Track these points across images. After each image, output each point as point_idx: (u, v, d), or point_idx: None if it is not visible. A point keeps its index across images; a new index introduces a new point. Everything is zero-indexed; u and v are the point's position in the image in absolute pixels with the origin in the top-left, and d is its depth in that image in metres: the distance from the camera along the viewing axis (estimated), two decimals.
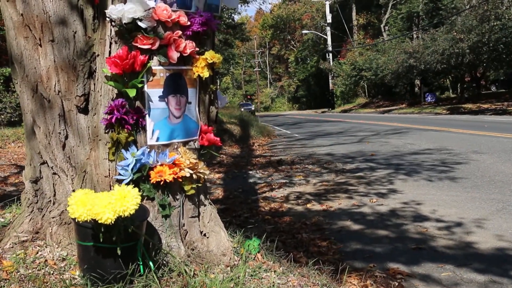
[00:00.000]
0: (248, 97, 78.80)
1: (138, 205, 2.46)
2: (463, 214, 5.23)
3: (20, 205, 3.38)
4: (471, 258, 3.99)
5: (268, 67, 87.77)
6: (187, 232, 3.07)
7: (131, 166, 2.78)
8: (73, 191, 2.90)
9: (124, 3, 2.70)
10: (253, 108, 56.10)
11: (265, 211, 5.89)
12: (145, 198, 2.88)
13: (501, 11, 25.75)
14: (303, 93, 72.15)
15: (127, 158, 2.78)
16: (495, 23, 25.64)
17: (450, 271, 3.74)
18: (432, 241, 4.44)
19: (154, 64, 2.84)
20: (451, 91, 42.27)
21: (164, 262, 2.84)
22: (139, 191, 2.62)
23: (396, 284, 3.44)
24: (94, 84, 2.94)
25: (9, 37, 3.02)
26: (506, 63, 28.73)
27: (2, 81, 14.37)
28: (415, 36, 40.68)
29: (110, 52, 2.80)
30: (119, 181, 2.79)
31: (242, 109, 47.79)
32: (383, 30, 49.63)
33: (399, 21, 44.57)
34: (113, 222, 2.38)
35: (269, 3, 73.80)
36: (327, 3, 52.33)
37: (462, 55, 28.29)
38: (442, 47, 29.66)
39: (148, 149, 2.84)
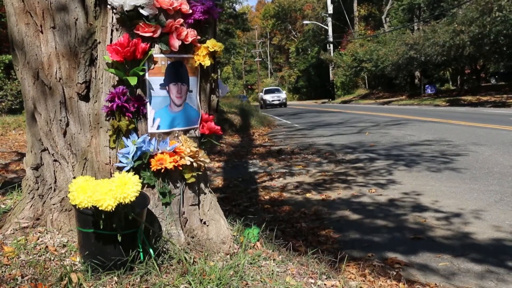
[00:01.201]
0: (249, 86, 78.47)
1: (139, 192, 2.47)
2: (462, 205, 5.25)
3: (21, 191, 3.39)
4: (468, 248, 4.02)
5: (269, 57, 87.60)
6: (187, 220, 3.09)
7: (131, 154, 2.78)
8: (74, 178, 2.91)
9: None
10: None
11: (265, 200, 5.91)
12: (146, 185, 2.90)
13: (503, 2, 25.58)
14: (304, 84, 71.90)
15: (128, 146, 2.79)
16: (496, 15, 25.49)
17: (448, 261, 3.76)
18: (430, 231, 4.46)
19: (156, 52, 2.84)
20: (451, 83, 42.23)
21: (164, 249, 2.86)
22: (140, 178, 2.63)
23: (394, 273, 3.46)
24: (95, 72, 2.94)
25: (10, 24, 3.01)
26: (506, 55, 28.65)
27: (2, 68, 14.34)
28: (416, 27, 40.56)
29: (111, 40, 2.80)
30: (120, 169, 2.81)
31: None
32: (384, 22, 49.48)
33: (400, 12, 44.40)
34: (113, 209, 2.39)
35: None
36: None
37: (463, 47, 28.19)
38: (442, 39, 29.55)
39: (149, 137, 2.85)
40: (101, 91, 2.87)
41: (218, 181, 7.30)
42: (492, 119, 15.23)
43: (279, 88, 46.59)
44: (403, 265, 3.72)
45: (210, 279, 2.59)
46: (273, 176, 7.62)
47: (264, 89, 46.78)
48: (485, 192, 5.78)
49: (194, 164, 2.99)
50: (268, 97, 39.10)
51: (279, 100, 39.23)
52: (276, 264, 3.01)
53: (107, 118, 2.84)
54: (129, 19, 2.74)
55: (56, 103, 2.99)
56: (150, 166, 2.87)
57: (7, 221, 3.16)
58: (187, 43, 2.90)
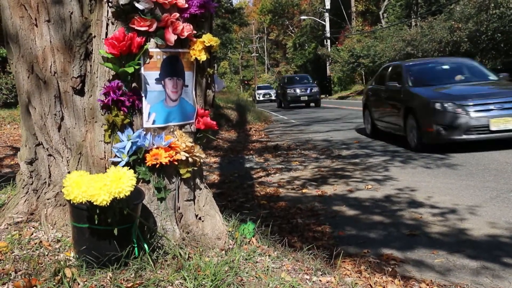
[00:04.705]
0: (246, 82, 78.28)
1: (133, 187, 2.46)
2: (457, 201, 5.25)
3: (15, 186, 3.37)
4: (464, 244, 4.02)
5: (266, 53, 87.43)
6: (182, 215, 3.07)
7: (127, 149, 2.77)
8: (69, 172, 2.89)
9: None
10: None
11: (261, 196, 5.90)
12: (141, 181, 2.88)
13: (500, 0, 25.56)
14: None
15: (123, 141, 2.77)
16: (493, 12, 25.49)
17: (443, 258, 3.76)
18: (426, 228, 4.46)
19: (151, 46, 2.82)
20: None
21: (159, 245, 2.85)
22: (135, 174, 2.62)
23: (390, 269, 3.45)
24: (91, 66, 2.92)
25: (5, 17, 2.99)
26: (503, 52, 28.64)
27: None
28: (413, 23, 40.53)
29: (106, 34, 2.78)
30: (115, 164, 2.79)
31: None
32: (381, 17, 49.41)
33: (398, 8, 44.36)
34: (108, 204, 2.38)
35: None
36: None
37: (460, 43, 28.19)
38: (439, 35, 29.57)
39: (144, 132, 2.83)
40: (96, 86, 2.85)
41: (214, 177, 7.29)
42: None
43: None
44: (399, 261, 3.72)
45: (205, 274, 2.57)
46: (270, 171, 7.61)
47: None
48: (481, 188, 5.78)
49: (190, 159, 2.98)
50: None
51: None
52: (272, 260, 3.01)
53: (102, 113, 2.82)
54: (124, 13, 2.72)
55: (50, 97, 2.97)
56: (145, 161, 2.85)
57: (1, 216, 3.14)
58: (183, 37, 2.88)
